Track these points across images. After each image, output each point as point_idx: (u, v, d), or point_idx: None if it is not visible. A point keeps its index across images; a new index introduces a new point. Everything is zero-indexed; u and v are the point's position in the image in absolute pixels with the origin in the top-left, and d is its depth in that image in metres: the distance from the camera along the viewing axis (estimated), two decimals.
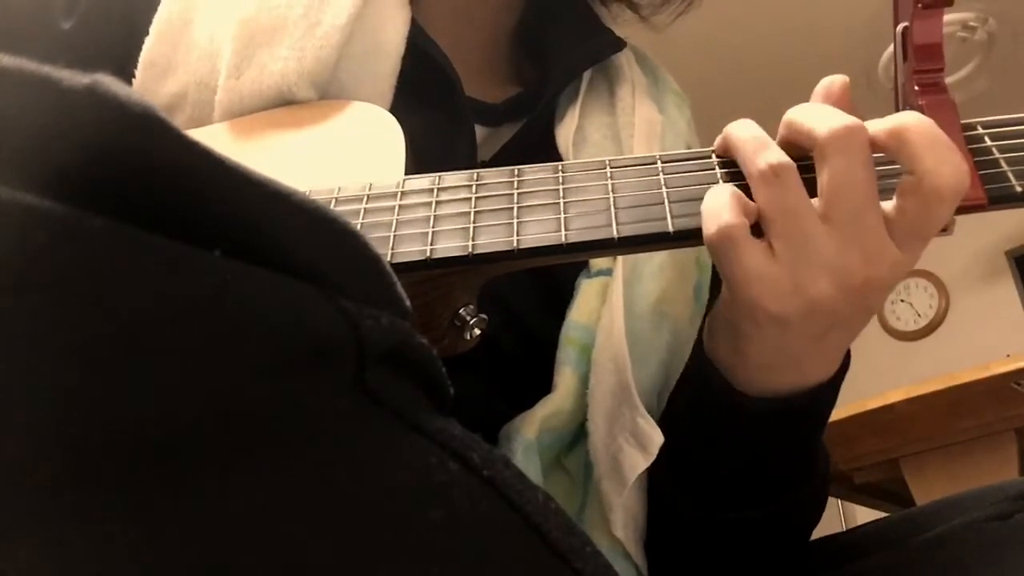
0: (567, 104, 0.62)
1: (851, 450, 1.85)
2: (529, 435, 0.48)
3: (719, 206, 0.40)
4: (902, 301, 3.45)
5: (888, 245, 0.39)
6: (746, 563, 0.55)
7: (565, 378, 0.51)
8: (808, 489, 0.51)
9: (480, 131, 0.60)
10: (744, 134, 0.42)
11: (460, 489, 0.22)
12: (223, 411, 0.19)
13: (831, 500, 2.80)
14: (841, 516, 3.03)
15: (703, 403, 0.48)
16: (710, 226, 0.40)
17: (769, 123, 0.43)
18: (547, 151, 0.59)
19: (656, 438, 0.47)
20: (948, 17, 2.62)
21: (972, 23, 2.53)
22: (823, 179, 0.39)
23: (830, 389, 0.46)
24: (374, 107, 0.52)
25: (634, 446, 0.48)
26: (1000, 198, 0.41)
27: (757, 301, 0.40)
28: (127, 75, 0.54)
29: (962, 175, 0.38)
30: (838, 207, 0.39)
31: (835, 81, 0.43)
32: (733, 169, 0.43)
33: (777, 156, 0.40)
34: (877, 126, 0.40)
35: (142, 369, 0.18)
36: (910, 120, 0.39)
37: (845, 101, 0.42)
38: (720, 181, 0.43)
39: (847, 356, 0.46)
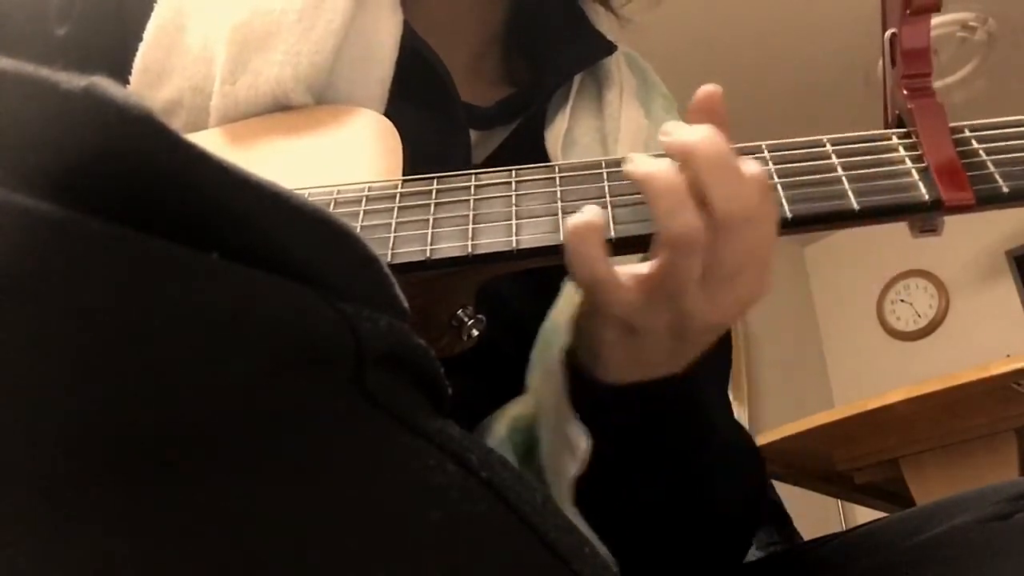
0: (558, 107, 0.62)
1: (851, 450, 1.85)
2: (501, 432, 0.48)
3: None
4: (902, 301, 3.45)
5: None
6: (689, 550, 0.54)
7: (535, 379, 0.51)
8: (705, 459, 0.51)
9: (473, 134, 0.60)
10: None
11: (458, 490, 0.22)
12: (221, 413, 0.19)
13: (831, 500, 2.80)
14: (841, 516, 3.03)
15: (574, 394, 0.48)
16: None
17: (768, 122, 0.43)
18: (537, 154, 0.59)
19: (582, 444, 0.45)
20: (948, 17, 2.62)
21: (972, 23, 2.52)
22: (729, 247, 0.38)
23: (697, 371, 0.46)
24: (371, 112, 0.52)
25: (568, 451, 0.47)
26: (987, 198, 0.42)
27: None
28: (121, 81, 0.54)
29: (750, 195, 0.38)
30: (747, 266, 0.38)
31: (711, 92, 0.41)
32: None
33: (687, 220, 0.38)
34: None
35: (140, 371, 0.18)
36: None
37: (720, 111, 0.41)
38: None
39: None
